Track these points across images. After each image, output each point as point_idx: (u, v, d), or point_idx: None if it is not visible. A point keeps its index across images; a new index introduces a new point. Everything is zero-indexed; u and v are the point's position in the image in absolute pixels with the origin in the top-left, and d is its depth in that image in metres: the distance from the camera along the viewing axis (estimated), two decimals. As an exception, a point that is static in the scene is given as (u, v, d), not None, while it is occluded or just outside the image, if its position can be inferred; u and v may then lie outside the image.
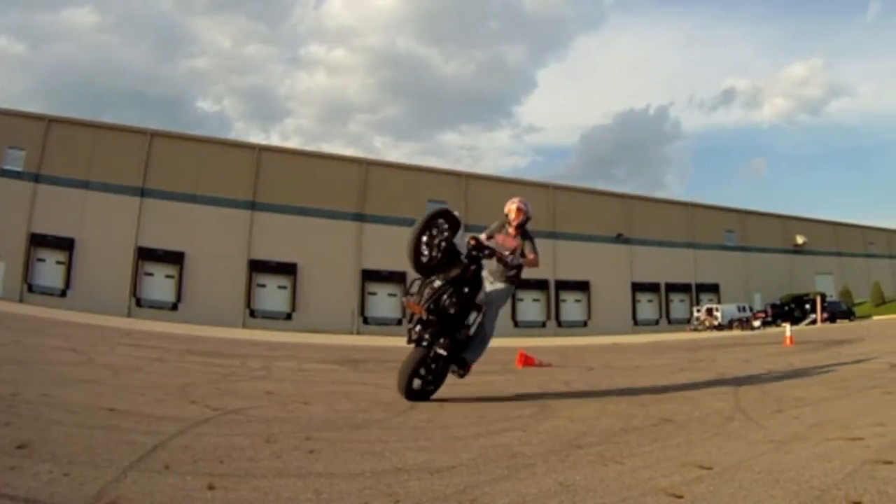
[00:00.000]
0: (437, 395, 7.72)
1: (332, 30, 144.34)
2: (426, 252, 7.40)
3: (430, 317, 7.28)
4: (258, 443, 4.77)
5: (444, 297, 7.35)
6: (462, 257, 7.55)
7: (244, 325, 41.84)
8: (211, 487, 3.53)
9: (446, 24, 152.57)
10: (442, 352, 7.46)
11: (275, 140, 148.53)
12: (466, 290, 7.54)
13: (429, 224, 7.39)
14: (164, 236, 42.51)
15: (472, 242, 7.62)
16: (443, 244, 7.46)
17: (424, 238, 7.37)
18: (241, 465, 4.07)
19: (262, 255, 45.36)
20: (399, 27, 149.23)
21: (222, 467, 3.99)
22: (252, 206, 45.70)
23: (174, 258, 43.03)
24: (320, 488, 3.62)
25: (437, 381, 7.80)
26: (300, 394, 8.26)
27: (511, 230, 8.19)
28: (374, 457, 4.48)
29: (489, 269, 8.08)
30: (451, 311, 7.37)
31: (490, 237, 8.12)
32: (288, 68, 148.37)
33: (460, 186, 52.57)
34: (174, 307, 42.32)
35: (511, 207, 8.20)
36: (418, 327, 7.38)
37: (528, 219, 8.23)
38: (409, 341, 7.48)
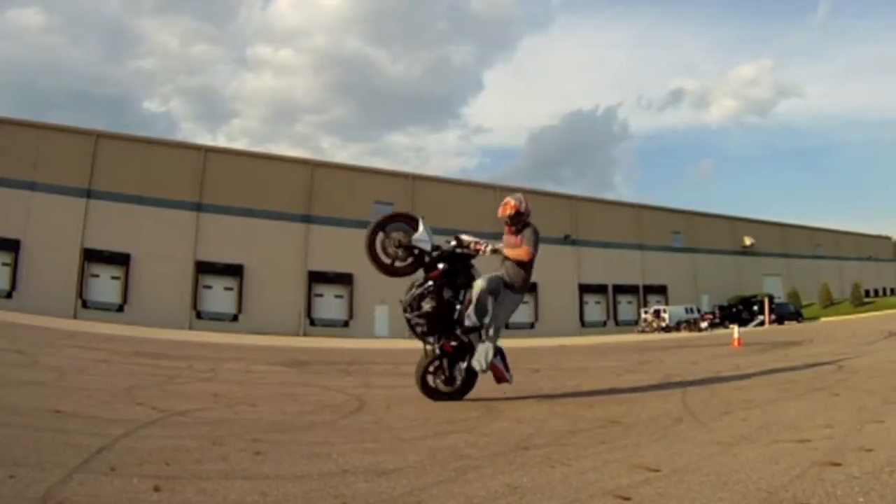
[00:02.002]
0: (383, 396, 7.77)
1: (279, 30, 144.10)
2: (390, 253, 7.80)
3: (407, 315, 7.66)
4: (204, 445, 4.79)
5: (426, 297, 7.64)
6: (429, 256, 7.80)
7: (190, 327, 41.62)
8: (157, 489, 3.56)
9: (393, 25, 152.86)
10: (438, 350, 7.77)
11: (222, 141, 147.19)
12: (446, 291, 7.74)
13: (376, 232, 7.75)
14: (110, 238, 41.89)
15: (454, 242, 7.96)
16: (405, 244, 7.78)
17: (378, 245, 7.73)
18: (188, 467, 4.09)
19: (208, 256, 44.98)
20: (346, 28, 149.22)
21: (168, 469, 4.02)
22: (198, 207, 45.24)
23: (120, 259, 42.44)
24: (267, 490, 3.64)
25: (449, 381, 7.93)
26: (247, 396, 8.32)
27: (505, 228, 8.10)
28: (321, 459, 4.51)
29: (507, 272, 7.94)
30: (427, 308, 7.60)
31: (474, 244, 8.07)
32: (235, 69, 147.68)
33: (407, 188, 52.55)
34: (120, 309, 41.71)
35: (501, 206, 8.05)
36: (420, 322, 7.68)
37: (519, 212, 7.97)
38: (414, 336, 7.92)
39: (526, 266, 7.95)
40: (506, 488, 3.76)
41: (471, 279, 7.85)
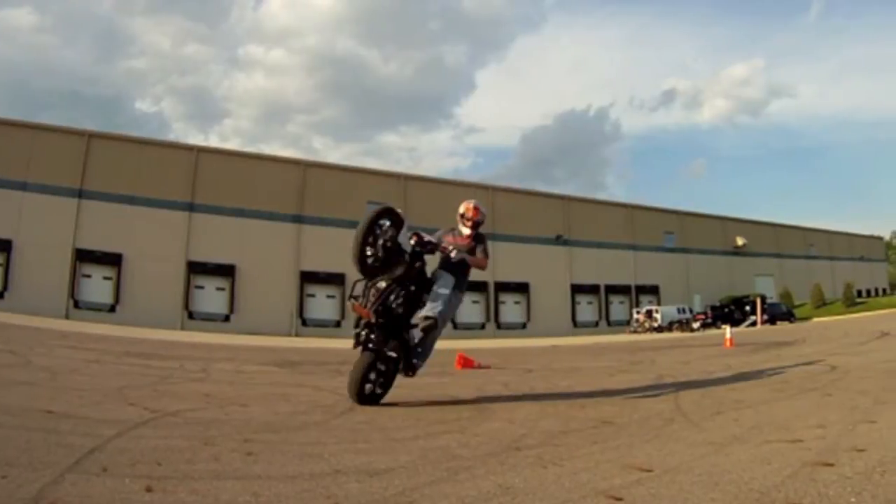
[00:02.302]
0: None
1: (271, 30, 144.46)
2: (370, 253, 7.35)
3: (379, 319, 7.27)
4: (196, 445, 4.77)
5: (391, 297, 7.37)
6: (406, 255, 7.51)
7: (182, 327, 41.59)
8: (149, 490, 3.54)
9: (386, 25, 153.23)
10: (392, 354, 7.48)
11: (213, 141, 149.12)
12: (413, 288, 7.58)
13: (372, 225, 7.35)
14: (102, 238, 41.84)
15: (414, 238, 7.62)
16: (388, 244, 7.39)
17: (369, 239, 7.33)
18: (179, 468, 4.08)
19: (200, 256, 45.00)
20: (338, 27, 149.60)
21: (160, 469, 4.00)
22: (190, 207, 45.23)
23: (112, 260, 42.39)
24: (258, 490, 3.63)
25: (387, 384, 7.72)
26: (238, 396, 8.32)
27: (466, 230, 8.17)
28: (313, 459, 4.51)
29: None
30: (399, 311, 7.42)
31: (439, 241, 7.97)
32: (227, 69, 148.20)
33: (400, 188, 52.58)
34: (112, 309, 41.63)
35: (469, 206, 8.19)
36: (365, 331, 7.33)
37: (482, 221, 8.22)
38: (356, 345, 7.42)
39: (467, 274, 8.08)
40: (498, 489, 3.76)
41: (425, 278, 7.82)
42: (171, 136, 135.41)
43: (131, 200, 43.09)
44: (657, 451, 4.81)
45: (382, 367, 7.55)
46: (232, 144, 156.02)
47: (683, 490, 3.67)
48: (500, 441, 5.35)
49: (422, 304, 7.66)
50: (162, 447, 4.62)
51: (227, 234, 45.56)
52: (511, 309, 55.95)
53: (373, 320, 7.25)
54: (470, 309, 53.01)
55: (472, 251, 8.02)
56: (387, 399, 7.66)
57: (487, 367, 14.66)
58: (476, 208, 8.17)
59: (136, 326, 34.09)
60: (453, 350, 16.95)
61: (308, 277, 47.66)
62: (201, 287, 45.24)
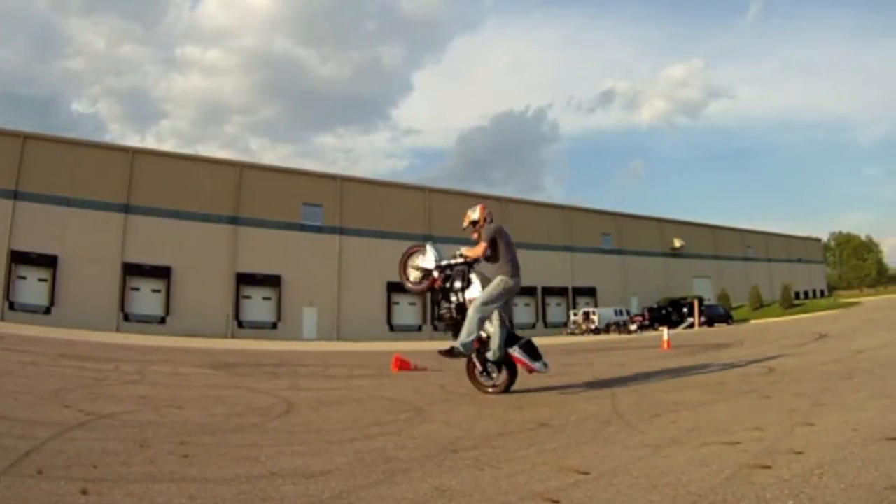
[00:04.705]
0: (312, 398, 8.21)
1: (208, 31, 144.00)
2: (412, 280, 9.65)
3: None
4: (132, 447, 4.80)
5: (442, 309, 9.39)
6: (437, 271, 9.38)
7: (118, 329, 41.59)
8: (84, 492, 3.57)
9: (323, 25, 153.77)
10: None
11: (150, 142, 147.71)
12: (454, 297, 9.29)
13: (405, 267, 9.64)
14: (37, 239, 41.82)
15: (439, 272, 9.36)
16: (437, 268, 9.38)
17: (412, 273, 9.65)
18: (115, 470, 4.10)
19: (136, 258, 45.12)
20: (275, 28, 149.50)
21: (96, 472, 4.02)
22: (126, 209, 45.35)
23: (47, 262, 42.32)
24: (195, 493, 3.64)
25: (498, 371, 9.16)
26: (174, 398, 8.35)
27: (475, 234, 9.36)
28: (249, 461, 4.52)
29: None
30: (447, 315, 9.29)
31: (456, 255, 9.37)
32: (164, 69, 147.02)
33: (336, 189, 52.86)
34: (48, 311, 41.53)
35: (473, 212, 9.46)
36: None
37: (476, 220, 9.41)
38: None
39: (490, 257, 9.15)
40: (434, 491, 3.79)
41: (468, 282, 9.27)
42: (108, 138, 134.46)
43: (66, 202, 43.01)
44: (594, 453, 4.86)
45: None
46: (169, 145, 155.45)
47: (621, 492, 3.71)
48: (437, 443, 5.38)
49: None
50: (98, 449, 4.64)
51: (162, 236, 45.64)
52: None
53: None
54: (407, 311, 53.32)
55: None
56: (322, 402, 7.77)
57: (425, 369, 14.66)
58: (483, 207, 9.54)
59: (72, 328, 34.18)
60: (389, 352, 16.96)
61: (244, 279, 47.72)
62: (137, 289, 45.32)
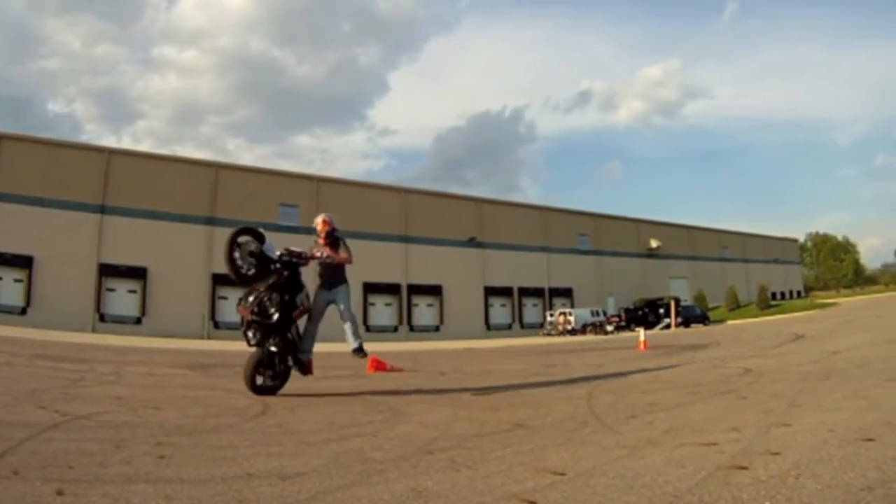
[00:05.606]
0: (288, 399, 8.17)
1: (184, 31, 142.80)
2: (240, 264, 8.84)
3: (255, 318, 8.65)
4: (108, 448, 4.79)
5: (266, 300, 8.74)
6: (274, 265, 8.94)
7: (94, 330, 41.16)
8: (60, 493, 3.58)
9: (299, 26, 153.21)
10: (273, 349, 8.76)
11: (127, 143, 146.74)
12: (286, 295, 8.88)
13: (233, 242, 8.83)
14: (12, 240, 41.22)
15: (285, 252, 9.11)
16: (252, 255, 8.88)
17: (236, 254, 8.82)
18: (91, 471, 4.10)
19: (112, 258, 44.63)
20: (251, 28, 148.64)
21: (72, 473, 4.02)
22: (102, 209, 44.88)
23: (23, 262, 41.81)
24: (171, 494, 3.64)
25: (279, 376, 9.01)
26: (150, 399, 8.33)
27: (321, 240, 9.65)
28: (225, 462, 4.53)
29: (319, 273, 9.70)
30: (271, 310, 8.70)
31: (306, 252, 9.42)
32: (140, 70, 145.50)
33: (312, 190, 52.60)
34: (24, 312, 41.01)
35: (317, 222, 9.84)
36: (250, 330, 8.77)
37: (334, 228, 9.77)
38: (248, 344, 8.82)
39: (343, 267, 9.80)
40: (410, 492, 3.79)
41: (300, 286, 9.23)
42: (84, 138, 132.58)
43: (42, 202, 42.51)
44: (571, 454, 4.88)
45: (273, 361, 8.89)
46: (145, 146, 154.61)
47: (597, 493, 3.73)
48: (413, 444, 5.38)
49: (296, 305, 9.06)
50: (73, 450, 4.63)
51: (138, 237, 45.27)
52: (424, 311, 56.31)
53: (249, 318, 8.67)
54: (382, 311, 53.36)
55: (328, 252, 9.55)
56: (298, 403, 7.78)
57: (401, 370, 14.69)
58: (325, 221, 9.75)
59: (48, 329, 33.78)
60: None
61: (220, 280, 46.86)
62: (113, 289, 44.86)
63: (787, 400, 7.40)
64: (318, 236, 9.67)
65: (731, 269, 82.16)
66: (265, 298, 8.72)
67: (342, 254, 9.56)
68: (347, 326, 9.54)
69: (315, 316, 9.46)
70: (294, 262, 9.13)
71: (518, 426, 6.29)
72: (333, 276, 9.63)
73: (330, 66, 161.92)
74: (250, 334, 8.74)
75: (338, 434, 5.90)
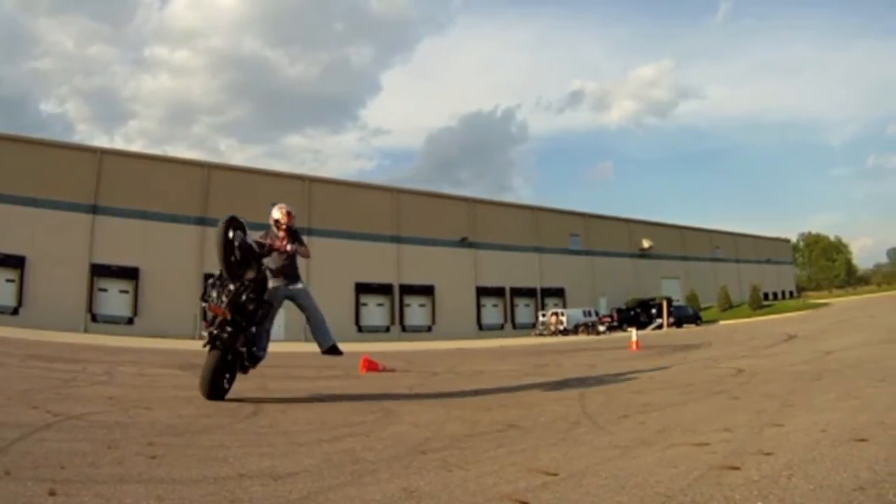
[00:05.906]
0: (279, 400, 8.21)
1: (176, 31, 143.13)
2: (236, 254, 8.36)
3: (235, 316, 8.03)
4: (100, 448, 4.76)
5: (243, 296, 8.15)
6: (256, 259, 8.61)
7: (86, 330, 41.10)
8: (52, 493, 3.53)
9: (292, 26, 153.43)
10: (242, 349, 8.26)
11: (119, 143, 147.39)
12: (259, 289, 8.49)
13: (226, 232, 8.32)
14: (4, 240, 41.12)
15: (256, 243, 8.71)
16: (238, 248, 8.40)
17: (231, 235, 8.37)
18: (83, 471, 4.07)
19: (103, 259, 44.58)
20: (244, 28, 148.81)
21: (64, 473, 4.00)
22: (94, 209, 44.82)
23: (15, 262, 41.69)
24: (162, 494, 3.63)
25: (233, 379, 8.43)
26: (142, 399, 8.27)
27: (281, 232, 9.23)
28: (217, 462, 4.51)
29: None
30: (250, 307, 8.21)
31: (262, 243, 8.93)
32: (132, 70, 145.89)
33: (304, 190, 52.52)
34: (15, 311, 40.92)
35: (282, 212, 9.32)
36: (218, 329, 8.01)
37: (294, 223, 9.42)
38: (207, 344, 8.10)
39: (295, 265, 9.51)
40: (402, 492, 3.78)
41: (266, 280, 8.89)
42: (76, 138, 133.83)
43: (34, 203, 42.44)
44: (563, 454, 4.88)
45: (234, 364, 8.32)
46: (137, 146, 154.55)
47: (589, 494, 3.73)
48: (405, 444, 5.38)
49: (270, 303, 8.83)
50: (65, 451, 4.60)
51: (130, 237, 45.27)
52: (416, 311, 56.35)
53: (228, 317, 7.96)
54: (374, 312, 53.38)
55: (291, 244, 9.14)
56: (289, 403, 7.77)
57: (393, 371, 14.67)
58: (289, 213, 9.33)
59: (40, 329, 33.70)
60: (357, 353, 16.95)
61: (212, 280, 47.00)
62: (105, 290, 44.81)
63: (779, 400, 7.41)
64: (279, 227, 9.28)
65: (723, 270, 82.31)
66: (242, 295, 8.15)
67: (303, 246, 9.32)
68: (322, 325, 9.38)
69: (273, 312, 9.14)
70: (264, 254, 8.85)
71: (510, 426, 6.29)
72: (293, 270, 9.43)
73: (322, 67, 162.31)
74: (216, 333, 8.01)
75: (330, 434, 5.89)
